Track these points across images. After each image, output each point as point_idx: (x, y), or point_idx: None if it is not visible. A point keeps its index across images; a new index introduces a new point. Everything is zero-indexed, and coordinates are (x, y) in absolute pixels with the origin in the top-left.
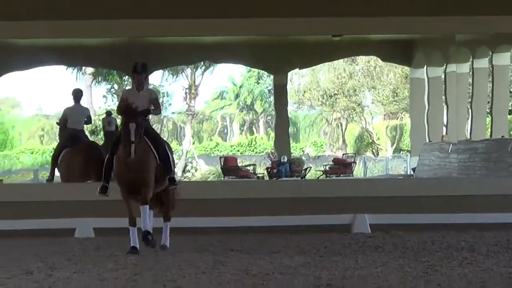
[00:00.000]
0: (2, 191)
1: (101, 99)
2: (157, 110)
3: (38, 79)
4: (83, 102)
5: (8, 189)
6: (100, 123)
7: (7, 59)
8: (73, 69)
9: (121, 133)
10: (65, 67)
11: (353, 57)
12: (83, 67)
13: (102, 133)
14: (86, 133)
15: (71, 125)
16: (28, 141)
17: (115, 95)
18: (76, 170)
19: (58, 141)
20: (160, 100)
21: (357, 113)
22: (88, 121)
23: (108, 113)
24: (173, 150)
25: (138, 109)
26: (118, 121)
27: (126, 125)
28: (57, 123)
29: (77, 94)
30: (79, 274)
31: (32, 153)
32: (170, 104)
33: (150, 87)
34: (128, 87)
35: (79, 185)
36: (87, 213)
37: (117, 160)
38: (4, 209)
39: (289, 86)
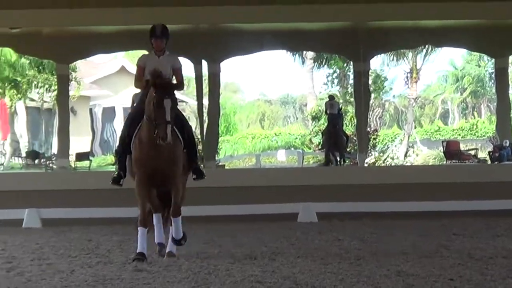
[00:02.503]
0: (224, 176)
1: (322, 85)
2: (180, 84)
3: (259, 64)
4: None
5: (230, 174)
6: (321, 107)
7: (228, 44)
8: (294, 54)
9: (152, 111)
10: (286, 51)
11: None
12: (304, 52)
13: (323, 117)
14: (309, 118)
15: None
16: (249, 127)
17: (336, 80)
18: None
19: None
20: (382, 84)
21: None
22: None
23: (331, 97)
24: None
25: (173, 83)
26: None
27: (160, 101)
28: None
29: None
30: (302, 258)
31: (253, 138)
32: (391, 88)
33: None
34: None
35: (302, 169)
36: (310, 197)
37: (140, 143)
38: (225, 194)
39: (510, 69)
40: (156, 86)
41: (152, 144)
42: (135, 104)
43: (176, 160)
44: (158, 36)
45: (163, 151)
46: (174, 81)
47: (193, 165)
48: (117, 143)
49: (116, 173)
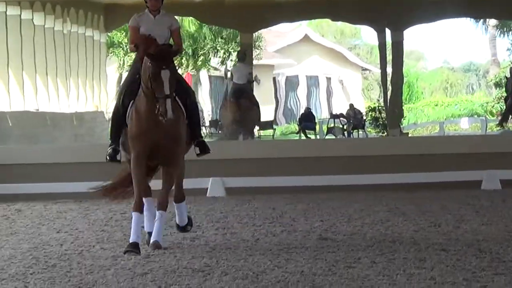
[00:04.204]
0: (408, 144)
1: (505, 51)
2: (179, 47)
3: (443, 31)
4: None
5: (414, 142)
6: (504, 75)
7: (412, 12)
8: (477, 21)
9: (147, 82)
10: (469, 19)
11: None
12: (487, 19)
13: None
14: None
15: (235, 80)
16: (432, 94)
17: None
18: (226, 118)
19: None
20: None
21: None
22: (251, 77)
23: None
24: None
25: (171, 49)
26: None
27: (157, 73)
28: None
29: (239, 55)
30: (486, 226)
31: (436, 105)
32: None
33: None
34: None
35: (485, 136)
36: (493, 165)
37: (137, 116)
38: (409, 162)
39: None
40: (151, 56)
41: (150, 118)
42: (128, 72)
43: (178, 135)
44: None
45: (163, 125)
46: (162, 40)
47: (196, 137)
48: (112, 113)
49: (110, 148)
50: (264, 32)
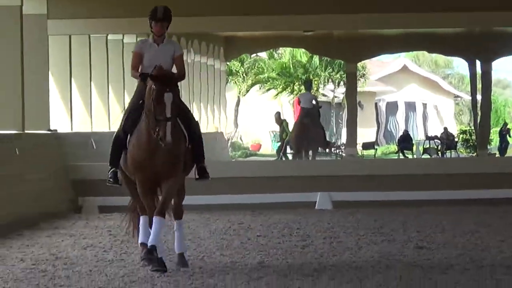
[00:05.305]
0: (495, 164)
1: None
2: (181, 73)
3: None
4: None
5: (500, 162)
6: None
7: (500, 45)
8: None
9: (150, 105)
10: None
11: None
12: None
13: None
14: None
15: (302, 105)
16: None
17: None
18: (295, 138)
19: None
20: None
21: None
22: (316, 103)
23: None
24: None
25: (174, 74)
26: None
27: (160, 95)
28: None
29: (305, 84)
30: None
31: None
32: None
33: None
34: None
35: None
36: None
37: (137, 140)
38: (496, 179)
39: None
40: (155, 79)
41: (151, 143)
42: (132, 98)
43: (178, 157)
44: (159, 19)
45: (164, 149)
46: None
47: (199, 163)
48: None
49: (111, 172)
50: (367, 62)
